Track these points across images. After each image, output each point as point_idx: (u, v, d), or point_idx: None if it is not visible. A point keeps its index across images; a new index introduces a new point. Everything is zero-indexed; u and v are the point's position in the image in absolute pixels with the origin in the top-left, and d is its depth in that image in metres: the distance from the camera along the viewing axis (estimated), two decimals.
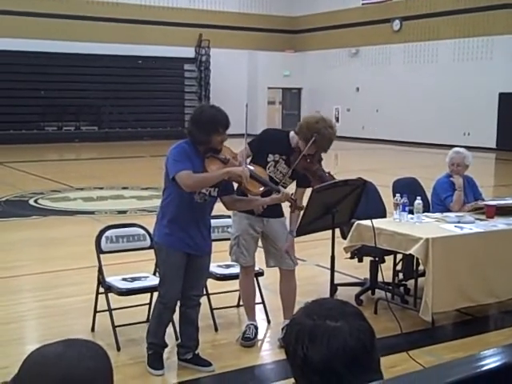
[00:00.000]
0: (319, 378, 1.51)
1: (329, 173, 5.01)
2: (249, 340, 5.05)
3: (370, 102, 26.29)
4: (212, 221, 5.59)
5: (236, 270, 5.51)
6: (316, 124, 4.73)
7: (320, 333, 1.52)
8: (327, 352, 1.49)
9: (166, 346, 4.63)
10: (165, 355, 4.65)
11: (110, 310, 5.00)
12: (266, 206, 4.77)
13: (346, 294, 5.94)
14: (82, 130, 25.09)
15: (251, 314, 5.23)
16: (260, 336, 5.21)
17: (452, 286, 5.35)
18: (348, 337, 1.51)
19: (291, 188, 4.90)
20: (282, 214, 5.03)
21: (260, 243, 5.14)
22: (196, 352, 4.65)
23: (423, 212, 5.87)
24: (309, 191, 4.65)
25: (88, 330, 5.19)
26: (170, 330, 4.81)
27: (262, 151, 4.86)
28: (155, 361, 4.53)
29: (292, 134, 4.96)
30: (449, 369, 1.47)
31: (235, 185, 4.54)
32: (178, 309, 4.62)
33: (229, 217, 5.69)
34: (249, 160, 4.73)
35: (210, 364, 4.60)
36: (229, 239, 5.67)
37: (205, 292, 5.32)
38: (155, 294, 5.24)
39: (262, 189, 4.48)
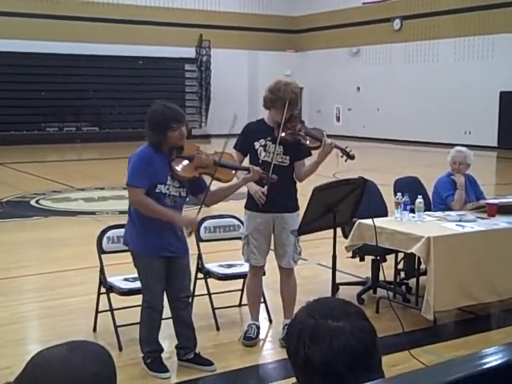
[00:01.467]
0: (321, 377, 1.51)
1: (314, 128, 5.05)
2: (250, 339, 5.05)
3: (371, 102, 26.28)
4: (214, 220, 5.62)
5: (237, 269, 5.52)
6: (275, 85, 4.88)
7: (322, 332, 1.52)
8: (329, 352, 1.50)
9: (162, 349, 4.60)
10: (166, 355, 4.65)
11: (111, 310, 5.00)
12: (275, 201, 4.78)
13: (348, 293, 5.94)
14: (83, 130, 25.08)
15: (255, 314, 5.23)
16: (262, 335, 5.21)
17: (454, 285, 5.35)
18: (350, 336, 1.51)
19: None
20: (294, 209, 4.96)
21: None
22: (197, 351, 4.65)
23: (424, 211, 5.87)
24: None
25: (90, 330, 5.20)
26: (171, 331, 4.81)
27: (247, 144, 4.93)
28: (157, 365, 4.49)
29: (266, 116, 5.02)
30: (450, 367, 1.48)
31: (207, 178, 4.49)
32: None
33: (230, 216, 5.71)
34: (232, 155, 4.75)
35: (211, 363, 4.60)
36: (230, 239, 5.70)
37: (206, 292, 5.33)
38: None
39: (233, 172, 4.49)
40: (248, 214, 5.01)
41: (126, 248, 5.23)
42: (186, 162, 4.33)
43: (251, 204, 4.92)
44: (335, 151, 4.99)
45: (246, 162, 4.93)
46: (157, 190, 4.25)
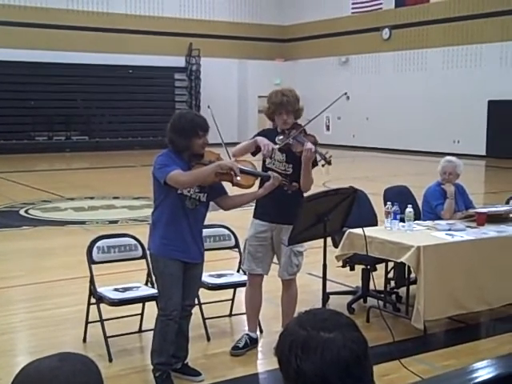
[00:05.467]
0: None
1: (308, 134, 5.02)
2: (236, 349, 5.03)
3: (361, 110, 26.36)
4: (204, 230, 5.60)
5: (228, 279, 5.51)
6: (269, 96, 5.08)
7: (314, 344, 1.51)
8: (321, 363, 1.49)
9: (173, 363, 4.51)
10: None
11: (101, 320, 4.97)
12: (274, 212, 4.84)
13: (338, 303, 5.94)
14: (73, 139, 25.03)
15: (249, 325, 5.22)
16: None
17: (444, 294, 5.36)
18: (342, 348, 1.50)
19: None
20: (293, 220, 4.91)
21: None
22: (185, 362, 4.63)
23: (414, 220, 5.88)
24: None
25: (80, 340, 5.17)
26: None
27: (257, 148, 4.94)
28: (163, 381, 4.39)
29: (277, 126, 5.05)
30: (442, 381, 1.47)
31: (227, 184, 4.52)
32: None
33: (221, 226, 5.70)
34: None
35: (199, 374, 4.57)
36: (221, 249, 5.70)
37: (197, 301, 5.31)
38: (147, 304, 5.24)
39: (254, 178, 4.51)
40: (252, 221, 5.07)
41: (116, 258, 5.24)
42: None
43: (255, 211, 5.03)
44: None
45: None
46: (179, 191, 4.28)
